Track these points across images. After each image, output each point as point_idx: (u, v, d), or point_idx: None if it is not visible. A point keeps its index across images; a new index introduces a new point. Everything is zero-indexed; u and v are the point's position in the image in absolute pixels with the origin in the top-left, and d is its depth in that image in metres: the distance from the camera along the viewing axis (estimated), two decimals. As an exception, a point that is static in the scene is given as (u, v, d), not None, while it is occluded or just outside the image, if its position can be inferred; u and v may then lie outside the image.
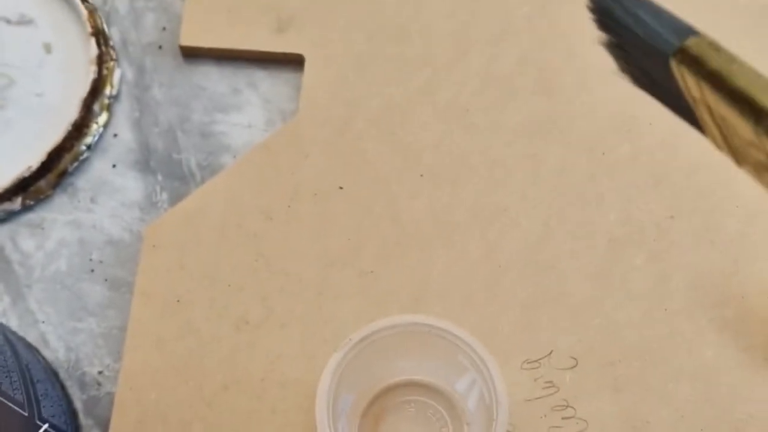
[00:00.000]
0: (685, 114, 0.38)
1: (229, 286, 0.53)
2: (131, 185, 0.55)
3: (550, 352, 0.51)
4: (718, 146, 0.37)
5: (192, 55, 0.58)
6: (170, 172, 0.56)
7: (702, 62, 0.34)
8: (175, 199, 0.55)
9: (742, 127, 0.34)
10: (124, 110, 0.57)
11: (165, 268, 0.53)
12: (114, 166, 0.56)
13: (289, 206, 0.54)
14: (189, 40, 0.57)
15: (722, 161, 0.54)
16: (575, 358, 0.51)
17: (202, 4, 0.58)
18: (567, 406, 0.50)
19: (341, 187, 0.54)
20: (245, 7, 0.58)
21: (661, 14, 0.36)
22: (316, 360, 0.50)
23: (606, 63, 0.56)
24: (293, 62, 0.57)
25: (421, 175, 0.54)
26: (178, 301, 0.52)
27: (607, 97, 0.56)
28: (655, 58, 0.36)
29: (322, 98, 0.56)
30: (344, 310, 0.52)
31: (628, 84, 0.56)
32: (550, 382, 0.51)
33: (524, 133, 0.55)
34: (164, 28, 0.58)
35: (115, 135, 0.56)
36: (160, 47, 0.58)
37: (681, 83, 0.36)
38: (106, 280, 0.54)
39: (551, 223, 0.53)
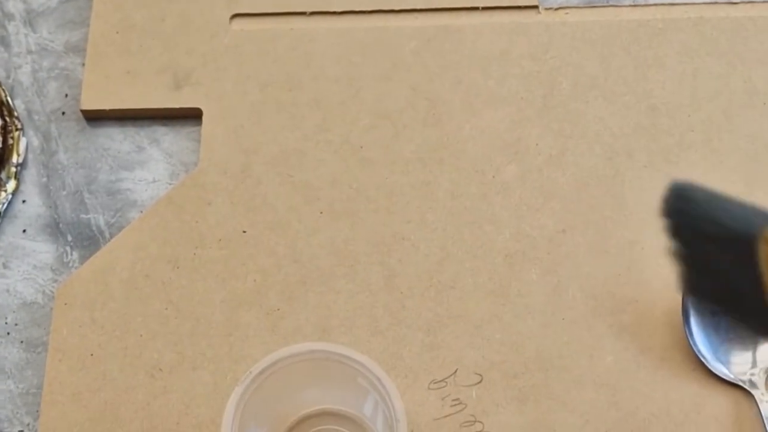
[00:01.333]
0: (754, 310, 0.37)
1: (141, 335, 0.54)
2: (42, 248, 0.57)
3: (456, 371, 0.52)
4: None
5: (95, 117, 0.60)
6: (80, 233, 0.57)
7: None
8: (86, 258, 0.56)
9: None
10: (31, 176, 0.59)
11: (77, 324, 0.54)
12: (24, 231, 0.57)
13: (194, 253, 0.56)
14: (90, 104, 0.59)
15: (609, 175, 0.57)
16: (480, 374, 0.52)
17: (101, 69, 0.60)
18: (475, 421, 0.51)
19: (244, 231, 0.56)
20: (143, 68, 0.60)
21: (743, 204, 0.37)
22: (228, 400, 0.51)
23: (492, 88, 0.59)
24: (192, 116, 0.59)
25: (321, 213, 0.56)
26: (92, 354, 0.53)
27: (494, 121, 0.58)
28: (737, 245, 0.36)
29: (221, 148, 0.58)
30: (254, 349, 0.53)
31: (513, 107, 0.58)
32: (458, 399, 0.52)
33: (417, 162, 0.57)
34: (66, 95, 0.60)
35: (24, 201, 0.58)
36: (63, 113, 0.60)
37: (764, 265, 0.35)
38: (21, 341, 0.55)
39: (448, 246, 0.55)
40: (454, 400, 0.52)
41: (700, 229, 0.37)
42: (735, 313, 0.38)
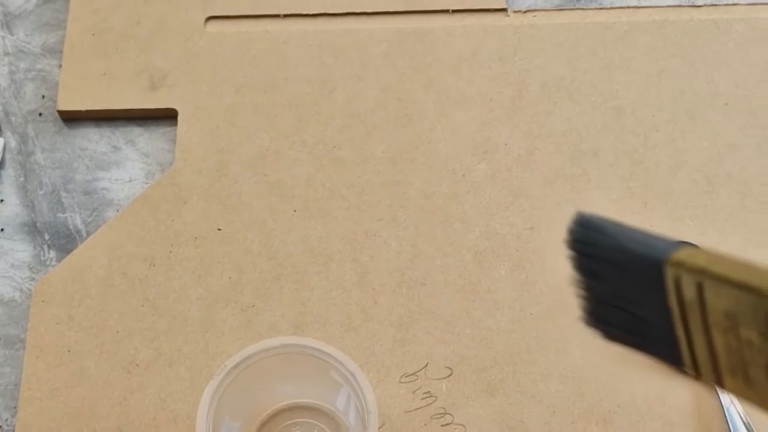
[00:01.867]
0: (660, 340, 0.36)
1: (118, 332, 0.55)
2: (20, 247, 0.58)
3: (426, 365, 0.54)
4: (696, 364, 0.36)
5: (72, 118, 0.61)
6: (57, 231, 0.58)
7: (699, 260, 0.34)
8: (63, 256, 0.57)
9: (749, 312, 0.33)
10: (9, 177, 0.59)
11: (55, 321, 0.55)
12: (2, 230, 0.58)
13: (170, 251, 0.57)
14: (67, 104, 0.60)
15: (575, 174, 0.58)
16: (450, 368, 0.54)
17: (78, 70, 0.61)
18: (445, 413, 0.53)
19: (219, 229, 0.57)
20: (119, 70, 0.61)
21: (649, 233, 0.37)
22: (203, 393, 0.52)
23: (462, 89, 0.60)
24: (168, 117, 0.60)
25: (295, 211, 0.57)
26: (69, 351, 0.54)
27: (464, 121, 0.59)
28: (644, 271, 0.36)
29: (197, 148, 0.59)
30: (229, 345, 0.54)
31: (482, 108, 0.60)
32: (428, 392, 0.53)
33: (389, 162, 0.58)
34: (44, 96, 0.61)
35: (2, 200, 0.59)
36: (40, 114, 0.61)
37: (671, 291, 0.35)
38: (0, 339, 0.56)
39: (419, 243, 0.56)
40: (424, 393, 0.53)
41: (607, 258, 0.37)
42: (641, 344, 0.38)
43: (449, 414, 0.53)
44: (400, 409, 0.53)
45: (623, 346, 0.39)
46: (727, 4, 0.63)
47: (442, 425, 0.52)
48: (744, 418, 0.51)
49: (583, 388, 0.53)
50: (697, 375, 0.36)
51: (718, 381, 0.35)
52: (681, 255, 0.35)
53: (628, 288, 0.37)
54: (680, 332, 0.36)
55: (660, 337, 0.36)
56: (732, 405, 0.52)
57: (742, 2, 0.63)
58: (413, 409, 0.53)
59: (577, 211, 0.39)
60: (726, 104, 0.60)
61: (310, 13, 0.62)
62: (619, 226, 0.37)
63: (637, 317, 0.37)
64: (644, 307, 0.36)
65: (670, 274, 0.35)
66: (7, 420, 0.54)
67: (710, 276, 0.34)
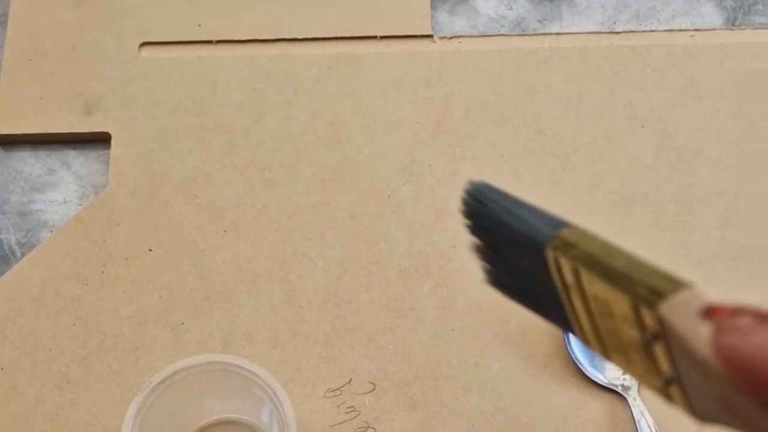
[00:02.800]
0: (554, 310, 0.38)
1: (50, 350, 0.56)
2: (-45, 267, 0.59)
3: (350, 380, 0.55)
4: (586, 337, 0.37)
5: (8, 142, 0.62)
6: (-8, 252, 0.59)
7: (577, 247, 0.35)
8: (-2, 276, 0.59)
9: (618, 303, 0.34)
10: (-55, 199, 0.61)
11: (-12, 340, 0.56)
12: (-63, 251, 0.59)
13: (102, 271, 0.58)
14: (3, 128, 0.62)
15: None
16: (373, 383, 0.55)
17: (14, 95, 0.62)
18: (368, 427, 0.54)
19: (151, 250, 0.58)
20: (55, 94, 0.63)
21: (535, 210, 0.38)
22: (128, 410, 0.54)
23: (389, 113, 0.62)
24: (102, 140, 0.62)
25: (225, 231, 0.59)
26: (2, 369, 0.56)
27: (391, 144, 0.61)
28: (530, 250, 0.37)
29: (130, 170, 0.61)
30: (159, 362, 0.56)
31: (408, 131, 0.62)
32: (352, 406, 0.55)
33: (318, 183, 0.60)
34: (-20, 120, 0.63)
35: (-62, 222, 0.60)
36: (-23, 138, 0.62)
37: (554, 272, 0.36)
38: (-66, 357, 0.57)
39: (346, 262, 0.58)
40: (348, 407, 0.55)
41: (495, 232, 0.39)
42: (538, 310, 0.40)
43: (372, 428, 0.54)
44: (325, 423, 0.54)
45: (523, 307, 0.40)
46: (644, 31, 0.65)
47: (365, 438, 0.54)
48: (653, 430, 0.53)
49: (503, 402, 0.55)
50: (588, 345, 0.38)
51: (605, 354, 0.37)
52: (562, 237, 0.36)
53: (519, 261, 0.38)
54: (568, 309, 0.37)
55: (553, 307, 0.38)
56: (643, 417, 0.54)
57: (659, 29, 0.65)
58: (337, 423, 0.54)
59: (470, 180, 0.40)
60: (642, 127, 0.62)
61: (242, 39, 0.64)
62: (509, 200, 0.38)
63: (530, 286, 0.38)
64: (536, 280, 0.38)
65: (550, 256, 0.36)
66: (-61, 437, 0.55)
67: (582, 263, 0.35)
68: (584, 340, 0.38)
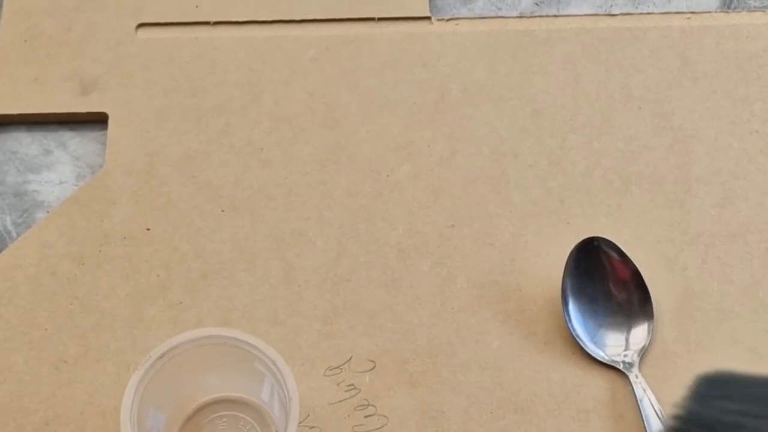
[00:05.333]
0: None
1: (46, 329, 0.56)
2: (-50, 247, 0.59)
3: (350, 358, 0.55)
4: None
5: (3, 122, 0.62)
6: (-13, 232, 0.59)
7: None
8: (-7, 256, 0.58)
9: None
10: (-61, 179, 0.60)
11: (-17, 319, 0.56)
12: (-68, 231, 0.59)
13: (99, 251, 0.58)
14: (-1, 108, 0.61)
15: (495, 174, 0.60)
16: (373, 361, 0.55)
17: (9, 75, 0.62)
18: (368, 405, 0.54)
19: (148, 229, 0.58)
20: (50, 74, 0.62)
21: None
22: (128, 383, 0.53)
23: (386, 93, 0.62)
24: (98, 121, 0.62)
25: (222, 210, 0.59)
26: (-2, 348, 0.55)
27: (388, 124, 0.61)
28: None
29: (127, 150, 0.60)
30: (157, 341, 0.55)
31: (406, 111, 0.62)
32: (352, 384, 0.54)
33: (315, 163, 0.60)
34: (-25, 101, 0.62)
35: (-68, 202, 0.60)
36: (-28, 118, 0.62)
37: None
38: (-72, 337, 0.56)
39: (344, 241, 0.58)
40: (348, 385, 0.54)
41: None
42: None
43: (372, 405, 0.54)
44: (325, 401, 0.54)
45: None
46: (641, 13, 0.65)
47: (365, 416, 0.54)
48: (656, 407, 0.53)
49: (502, 378, 0.55)
50: None
51: None
52: None
53: None
54: None
55: None
56: (645, 395, 0.54)
57: (655, 11, 0.66)
58: (337, 401, 0.54)
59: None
60: (639, 108, 0.62)
61: (239, 20, 0.64)
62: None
63: None
64: None
65: None
66: (-66, 417, 0.54)
67: None
68: None
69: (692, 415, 0.39)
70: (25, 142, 0.61)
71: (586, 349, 0.55)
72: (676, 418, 0.39)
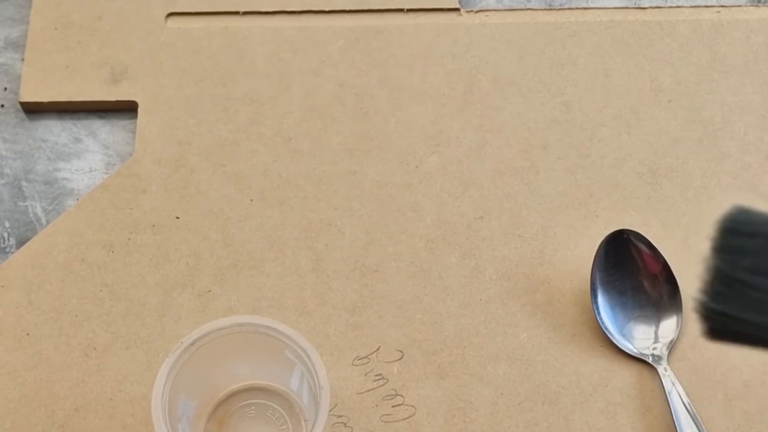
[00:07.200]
0: None
1: (76, 316, 0.56)
2: (-20, 234, 0.59)
3: (378, 348, 0.55)
4: None
5: (34, 110, 0.62)
6: (17, 219, 0.59)
7: None
8: (23, 243, 0.58)
9: None
10: (-30, 166, 0.61)
11: (14, 305, 0.56)
12: (-37, 217, 0.59)
13: (129, 238, 0.58)
14: (29, 96, 0.62)
15: (525, 166, 0.60)
16: (401, 351, 0.55)
17: (40, 63, 0.62)
18: (396, 395, 0.54)
19: (177, 217, 0.58)
20: (81, 63, 0.62)
21: None
22: (159, 369, 0.53)
23: (415, 84, 0.62)
24: (128, 109, 0.62)
25: (251, 200, 0.59)
26: (28, 334, 0.55)
27: (418, 115, 0.61)
28: None
29: (156, 139, 0.60)
30: (186, 329, 0.55)
31: (435, 102, 0.62)
32: (380, 374, 0.55)
33: (345, 153, 0.60)
34: (6, 89, 0.62)
35: (-37, 189, 0.60)
36: (2, 106, 0.62)
37: None
38: (-41, 323, 0.57)
39: (373, 231, 0.58)
40: (376, 375, 0.55)
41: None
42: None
43: (400, 395, 0.54)
44: (353, 390, 0.54)
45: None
46: (671, 7, 0.65)
47: (393, 406, 0.54)
48: (684, 401, 0.53)
49: (530, 370, 0.55)
50: None
51: None
52: None
53: None
54: None
55: None
56: (674, 388, 0.53)
57: (685, 5, 0.65)
58: (365, 390, 0.54)
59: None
60: (669, 101, 0.62)
61: (269, 10, 0.64)
62: None
63: None
64: None
65: None
66: (-35, 402, 0.55)
67: None
68: None
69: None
70: (55, 130, 0.62)
71: (615, 341, 0.55)
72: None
